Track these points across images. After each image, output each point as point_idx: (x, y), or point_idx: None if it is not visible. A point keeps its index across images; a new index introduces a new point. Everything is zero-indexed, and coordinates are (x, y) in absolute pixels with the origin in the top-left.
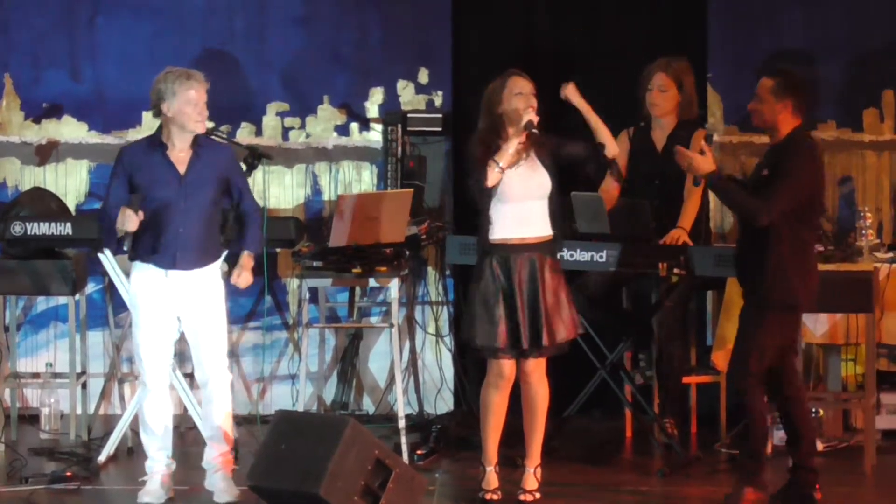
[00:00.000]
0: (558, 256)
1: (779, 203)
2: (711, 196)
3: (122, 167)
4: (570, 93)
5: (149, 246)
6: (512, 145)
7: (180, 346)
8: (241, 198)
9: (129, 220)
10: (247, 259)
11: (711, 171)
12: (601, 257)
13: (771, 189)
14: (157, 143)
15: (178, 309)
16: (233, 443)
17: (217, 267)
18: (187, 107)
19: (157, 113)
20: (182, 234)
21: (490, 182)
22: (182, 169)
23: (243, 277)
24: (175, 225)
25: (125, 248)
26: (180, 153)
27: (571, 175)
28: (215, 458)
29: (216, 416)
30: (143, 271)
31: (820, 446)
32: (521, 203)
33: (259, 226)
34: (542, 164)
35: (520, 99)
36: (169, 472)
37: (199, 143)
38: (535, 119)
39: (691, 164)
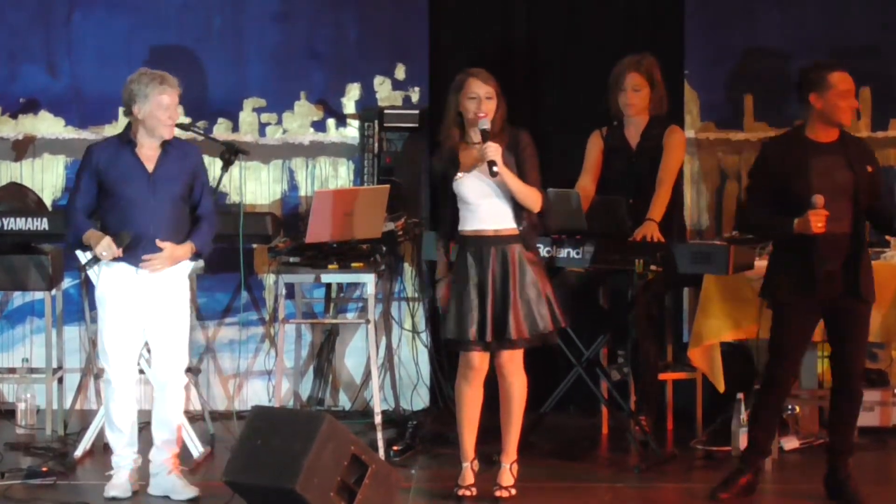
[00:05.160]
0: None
1: None
2: (687, 193)
3: (90, 165)
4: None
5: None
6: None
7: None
8: (201, 199)
9: (108, 252)
10: (185, 246)
11: None
12: (577, 254)
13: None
14: (125, 140)
15: (144, 307)
16: (181, 445)
17: (184, 268)
18: (159, 111)
19: (128, 112)
20: (150, 232)
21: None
22: (150, 166)
23: (157, 258)
24: (143, 221)
25: (85, 264)
26: (149, 151)
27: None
28: (167, 459)
29: (172, 418)
30: (113, 268)
31: (796, 443)
32: (486, 202)
33: (213, 226)
34: (504, 166)
35: (472, 103)
36: (136, 466)
37: (167, 140)
38: (496, 156)
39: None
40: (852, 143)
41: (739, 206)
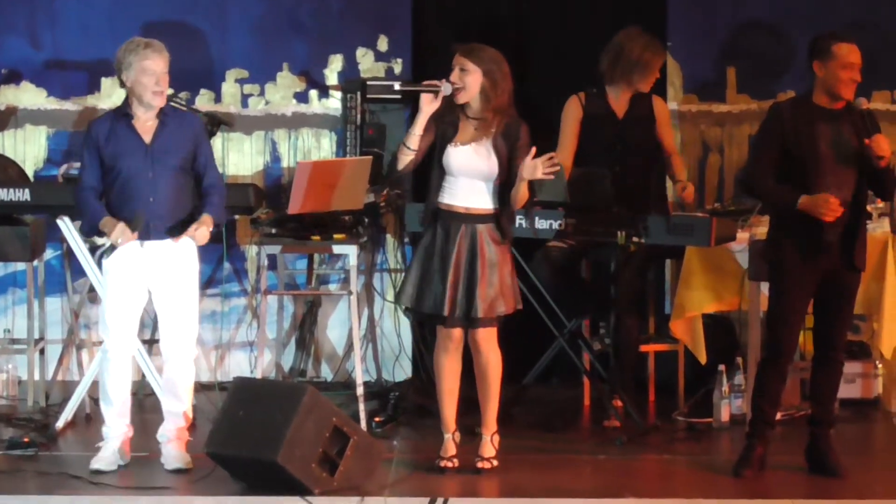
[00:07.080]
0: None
1: None
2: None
3: (91, 141)
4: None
5: (122, 218)
6: (417, 126)
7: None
8: (206, 171)
9: (123, 239)
10: (207, 217)
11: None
12: (559, 226)
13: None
14: (122, 113)
15: (150, 280)
16: (190, 420)
17: (192, 240)
18: (143, 76)
19: (122, 84)
20: (153, 204)
21: (401, 165)
22: (147, 138)
23: (200, 232)
24: (145, 195)
25: (103, 252)
26: (146, 123)
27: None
28: (170, 430)
29: (180, 390)
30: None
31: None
32: (465, 178)
33: (223, 197)
34: (494, 150)
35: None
36: (126, 438)
37: (164, 112)
38: (447, 88)
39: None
40: (856, 112)
41: (745, 168)
